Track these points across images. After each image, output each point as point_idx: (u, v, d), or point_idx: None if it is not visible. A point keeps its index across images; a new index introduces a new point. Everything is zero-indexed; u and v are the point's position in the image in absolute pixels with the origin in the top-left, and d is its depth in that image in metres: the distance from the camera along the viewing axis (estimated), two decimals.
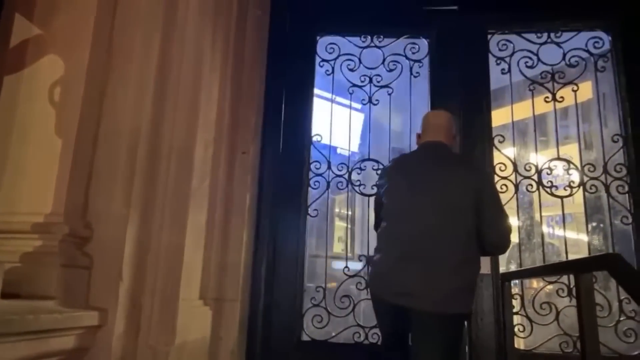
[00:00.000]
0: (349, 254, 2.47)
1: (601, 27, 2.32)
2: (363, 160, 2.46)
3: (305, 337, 2.26)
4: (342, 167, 2.43)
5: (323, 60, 2.53)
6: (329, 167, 2.42)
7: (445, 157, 1.76)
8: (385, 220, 1.76)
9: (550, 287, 2.31)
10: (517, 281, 2.33)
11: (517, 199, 2.25)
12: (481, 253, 1.67)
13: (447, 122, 1.83)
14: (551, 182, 2.25)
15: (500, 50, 2.37)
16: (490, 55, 2.38)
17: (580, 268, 1.30)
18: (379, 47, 2.53)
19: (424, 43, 2.50)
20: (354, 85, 2.50)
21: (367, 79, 2.49)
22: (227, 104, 2.03)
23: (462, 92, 2.35)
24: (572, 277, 1.73)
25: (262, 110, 2.28)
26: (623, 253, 2.18)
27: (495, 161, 2.26)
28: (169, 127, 1.72)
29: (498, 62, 2.36)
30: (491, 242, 1.65)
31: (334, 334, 2.27)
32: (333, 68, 2.52)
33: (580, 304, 1.31)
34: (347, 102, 2.57)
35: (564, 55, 2.33)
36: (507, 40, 2.37)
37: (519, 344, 2.21)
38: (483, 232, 1.62)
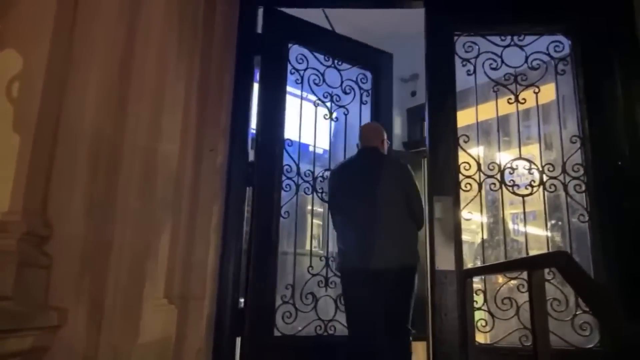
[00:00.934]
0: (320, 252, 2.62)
1: (561, 31, 2.40)
2: (326, 170, 2.63)
3: (277, 333, 2.34)
4: (308, 173, 2.56)
5: (294, 68, 2.60)
6: (298, 173, 2.53)
7: (379, 158, 2.41)
8: (340, 214, 2.38)
9: (514, 282, 2.38)
10: (481, 278, 2.40)
11: (480, 197, 2.31)
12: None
13: (378, 131, 2.49)
14: (513, 181, 2.32)
15: (466, 52, 2.42)
16: (456, 57, 2.42)
17: (532, 265, 1.35)
18: (338, 70, 2.74)
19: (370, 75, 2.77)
20: (319, 99, 2.68)
21: (329, 96, 2.69)
22: (193, 102, 2.02)
23: (429, 91, 2.40)
24: None
25: (231, 109, 2.28)
26: (580, 250, 2.30)
27: (460, 160, 2.31)
28: (133, 124, 1.71)
29: (464, 63, 2.41)
30: (418, 222, 2.32)
31: (300, 328, 2.38)
32: (302, 78, 2.63)
33: (532, 299, 1.37)
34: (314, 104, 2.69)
35: (527, 58, 2.40)
36: (473, 42, 2.42)
37: (483, 338, 2.28)
38: (412, 216, 2.29)
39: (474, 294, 2.26)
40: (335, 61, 2.73)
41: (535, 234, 2.76)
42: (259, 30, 2.51)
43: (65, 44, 1.63)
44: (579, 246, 2.30)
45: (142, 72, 1.75)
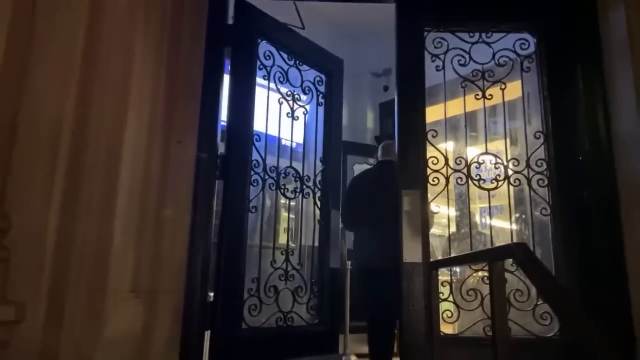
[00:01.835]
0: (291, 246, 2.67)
1: (527, 29, 2.46)
2: (287, 167, 2.69)
3: (244, 326, 2.35)
4: (273, 169, 2.59)
5: (262, 64, 2.60)
6: (265, 169, 2.55)
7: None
8: (359, 220, 3.16)
9: (481, 273, 2.45)
10: (448, 270, 2.46)
11: (447, 191, 2.36)
12: None
13: (394, 148, 2.73)
14: (479, 175, 2.38)
15: (435, 47, 2.45)
16: (426, 52, 2.45)
17: (492, 256, 1.39)
18: (299, 70, 2.78)
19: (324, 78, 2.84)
20: (283, 96, 2.71)
21: (291, 94, 2.75)
22: (161, 92, 1.98)
23: (399, 86, 2.43)
24: None
25: (200, 100, 2.24)
26: (542, 242, 2.38)
27: (428, 155, 2.35)
28: (97, 115, 1.67)
29: (433, 59, 2.45)
30: None
31: (263, 321, 2.43)
32: (269, 74, 2.64)
33: (492, 290, 1.41)
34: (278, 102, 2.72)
35: (494, 55, 2.45)
36: (442, 39, 2.46)
37: (449, 328, 2.34)
38: None
39: (441, 286, 2.32)
40: (297, 61, 2.78)
41: (502, 227, 2.84)
42: (230, 21, 2.48)
43: (26, 28, 1.57)
44: (541, 238, 2.38)
45: (107, 61, 1.71)
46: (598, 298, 2.14)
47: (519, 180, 2.37)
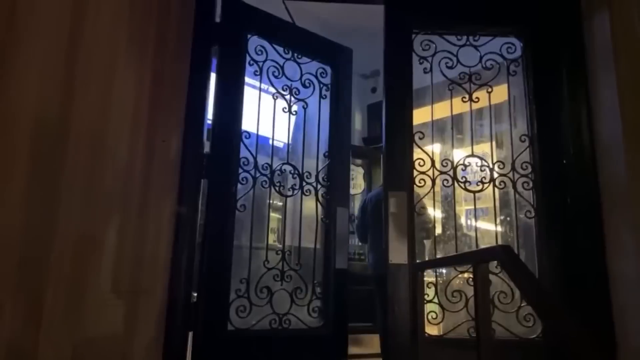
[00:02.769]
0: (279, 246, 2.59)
1: (514, 33, 2.48)
2: (284, 164, 2.61)
3: (230, 327, 2.30)
4: (266, 166, 2.52)
5: (252, 60, 2.55)
6: (256, 166, 2.48)
7: None
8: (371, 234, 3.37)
9: (466, 275, 2.46)
10: (433, 271, 2.46)
11: (434, 193, 2.37)
12: None
13: None
14: (465, 177, 2.39)
15: (423, 50, 2.46)
16: (414, 55, 2.46)
17: (476, 259, 1.40)
18: (298, 63, 2.69)
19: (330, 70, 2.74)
20: (277, 91, 2.63)
21: (288, 89, 2.65)
22: (145, 89, 1.96)
23: (387, 87, 2.43)
24: None
25: (185, 100, 2.22)
26: (526, 244, 2.40)
27: (415, 157, 2.36)
28: (79, 111, 1.64)
29: (421, 61, 2.46)
30: None
31: (254, 323, 2.35)
32: (261, 69, 2.58)
33: (476, 291, 1.42)
34: (272, 97, 2.64)
35: (481, 58, 2.46)
36: (430, 41, 2.47)
37: (435, 330, 2.34)
38: None
39: (426, 287, 2.32)
40: (295, 54, 2.68)
41: (487, 229, 2.86)
42: (217, 19, 2.45)
43: (6, 23, 1.54)
44: (526, 241, 2.40)
45: (90, 58, 1.68)
46: (581, 300, 2.16)
47: (504, 182, 2.39)
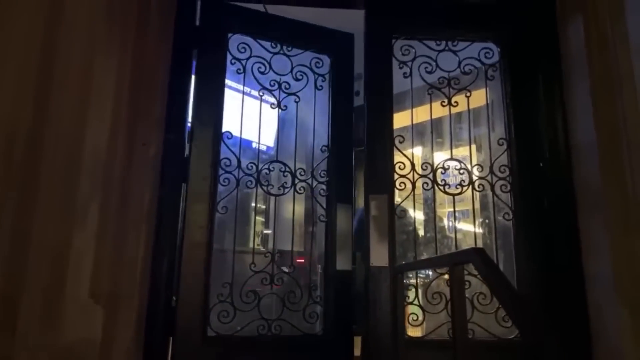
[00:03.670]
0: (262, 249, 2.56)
1: (491, 39, 2.53)
2: (272, 162, 2.54)
3: (211, 333, 2.25)
4: (251, 166, 2.46)
5: (235, 58, 2.52)
6: (239, 166, 2.44)
7: None
8: None
9: (447, 277, 2.48)
10: (414, 273, 2.49)
11: (414, 196, 2.39)
12: None
13: None
14: (445, 180, 2.42)
15: (403, 54, 2.50)
16: (394, 59, 2.49)
17: (452, 261, 1.42)
18: (288, 56, 2.62)
19: (327, 60, 2.67)
20: (264, 88, 2.57)
21: (277, 84, 2.58)
22: (125, 93, 1.94)
23: (367, 91, 2.45)
24: None
25: (166, 102, 2.21)
26: (504, 246, 2.44)
27: (396, 160, 2.38)
28: (56, 115, 1.62)
29: (401, 66, 2.49)
30: None
31: (239, 328, 2.30)
32: (244, 67, 2.54)
33: (452, 293, 1.44)
34: (258, 94, 2.60)
35: (460, 63, 2.51)
36: (410, 46, 2.50)
37: (417, 331, 2.36)
38: None
39: (407, 289, 2.35)
40: (284, 47, 2.60)
41: (468, 231, 2.90)
42: (197, 22, 2.45)
43: None
44: (504, 242, 2.44)
45: (67, 58, 1.66)
46: (557, 300, 2.21)
47: (483, 185, 2.43)
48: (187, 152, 2.34)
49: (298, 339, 2.35)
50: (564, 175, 2.31)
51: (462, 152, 2.56)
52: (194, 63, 2.42)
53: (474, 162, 2.48)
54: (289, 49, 2.61)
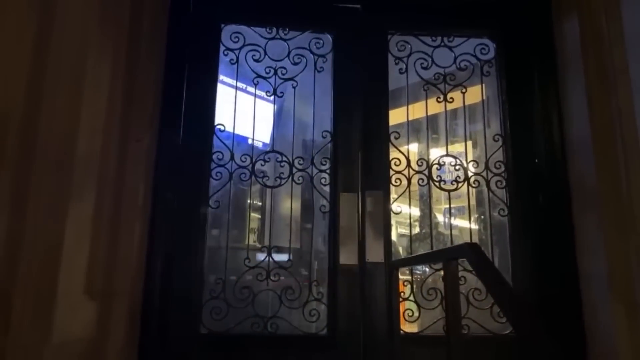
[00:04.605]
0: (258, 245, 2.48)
1: (487, 35, 2.53)
2: (267, 152, 2.45)
3: (203, 330, 2.22)
4: (245, 158, 2.40)
5: (227, 49, 2.48)
6: (232, 158, 2.39)
7: None
8: None
9: (442, 272, 2.49)
10: (409, 269, 2.49)
11: (409, 192, 2.39)
12: None
13: None
14: (440, 176, 2.43)
15: (399, 50, 2.49)
16: (389, 55, 2.48)
17: (446, 256, 1.42)
18: (284, 40, 2.53)
19: (328, 38, 2.54)
20: (259, 76, 2.49)
21: (272, 70, 2.49)
22: (118, 89, 1.93)
23: (364, 88, 2.44)
24: None
25: (160, 97, 2.20)
26: (500, 242, 2.44)
27: (391, 156, 2.38)
28: (48, 111, 1.60)
29: (396, 61, 2.48)
30: None
31: (233, 325, 2.25)
32: (237, 57, 2.49)
33: (446, 288, 1.44)
34: (254, 90, 2.55)
35: (455, 59, 2.50)
36: (405, 42, 2.50)
37: (413, 327, 2.37)
38: None
39: (402, 285, 2.35)
40: (281, 31, 2.52)
41: (463, 228, 2.91)
42: (191, 14, 2.42)
43: None
44: (499, 238, 2.45)
45: (60, 52, 1.64)
46: (552, 297, 2.22)
47: (479, 181, 2.43)
48: (179, 145, 2.31)
49: (296, 337, 2.26)
50: (559, 172, 2.32)
51: (457, 148, 2.56)
52: (187, 55, 2.38)
53: (470, 158, 2.49)
54: (286, 32, 2.53)
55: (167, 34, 2.28)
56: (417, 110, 2.53)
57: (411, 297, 2.35)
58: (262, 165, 2.43)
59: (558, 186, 2.31)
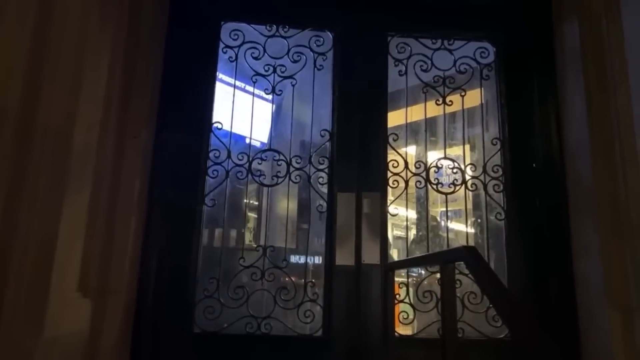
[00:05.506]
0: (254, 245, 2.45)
1: (487, 39, 2.53)
2: (264, 151, 2.44)
3: (196, 330, 2.20)
4: (242, 156, 2.39)
5: (226, 46, 2.47)
6: (229, 156, 2.38)
7: None
8: None
9: (438, 275, 2.48)
10: (405, 272, 2.48)
11: (407, 194, 2.39)
12: None
13: None
14: (438, 179, 2.42)
15: (398, 52, 2.49)
16: (389, 57, 2.48)
17: (443, 259, 1.41)
18: (284, 37, 2.52)
19: (328, 37, 2.53)
20: (258, 73, 2.48)
21: (271, 68, 2.48)
22: (116, 85, 1.91)
23: (363, 89, 2.43)
24: None
25: (158, 93, 2.19)
26: (496, 246, 2.44)
27: (389, 158, 2.38)
28: (45, 105, 1.59)
29: (396, 63, 2.48)
30: None
31: (226, 325, 2.23)
32: (237, 55, 2.48)
33: (442, 291, 1.43)
34: (253, 89, 2.54)
35: (455, 62, 2.50)
36: (405, 44, 2.50)
37: (408, 329, 2.36)
38: None
39: (398, 287, 2.34)
40: (280, 28, 2.51)
41: (460, 231, 2.90)
42: (190, 12, 2.41)
43: None
44: (496, 242, 2.44)
45: (58, 46, 1.63)
46: (548, 300, 2.21)
47: (476, 185, 2.43)
48: (176, 143, 2.29)
49: (290, 338, 2.24)
50: (556, 176, 2.32)
51: (455, 151, 2.56)
52: (186, 52, 2.37)
53: (468, 161, 2.48)
54: (285, 29, 2.51)
55: (166, 31, 2.26)
56: (416, 113, 2.53)
57: (406, 300, 2.35)
58: (259, 163, 2.41)
59: (555, 190, 2.32)
